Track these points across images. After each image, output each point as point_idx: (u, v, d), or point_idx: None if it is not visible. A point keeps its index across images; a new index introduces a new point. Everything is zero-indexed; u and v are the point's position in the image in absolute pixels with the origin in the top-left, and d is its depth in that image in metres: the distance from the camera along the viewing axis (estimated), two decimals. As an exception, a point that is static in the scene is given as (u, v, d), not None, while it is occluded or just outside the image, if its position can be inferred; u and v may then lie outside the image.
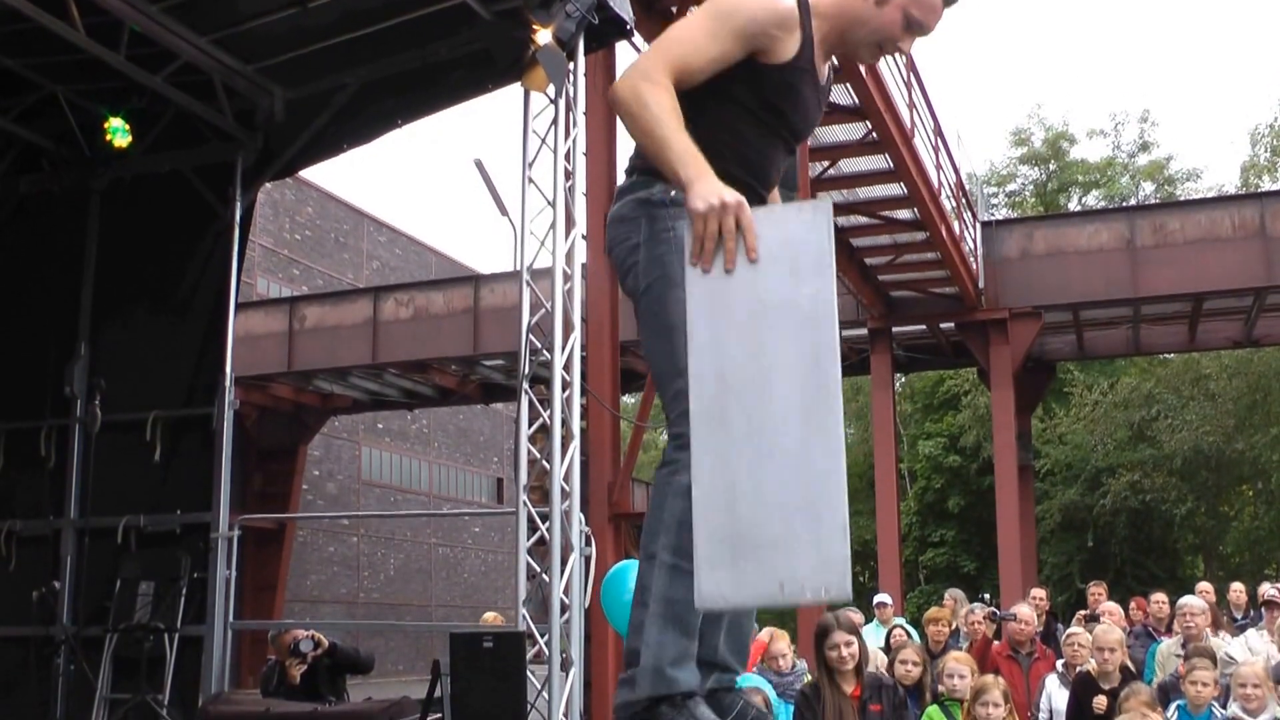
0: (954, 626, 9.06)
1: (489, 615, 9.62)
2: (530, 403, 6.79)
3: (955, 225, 15.66)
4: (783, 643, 6.90)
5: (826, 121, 13.34)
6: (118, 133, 8.07)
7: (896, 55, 14.53)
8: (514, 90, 7.16)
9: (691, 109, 2.27)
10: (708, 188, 2.04)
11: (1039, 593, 10.62)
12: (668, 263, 2.29)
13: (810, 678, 6.00)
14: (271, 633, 8.32)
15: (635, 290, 2.39)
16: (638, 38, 10.75)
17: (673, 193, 2.30)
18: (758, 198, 2.38)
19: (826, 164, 13.69)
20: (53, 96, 8.28)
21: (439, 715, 5.90)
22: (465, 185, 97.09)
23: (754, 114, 2.36)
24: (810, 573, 1.77)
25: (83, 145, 8.44)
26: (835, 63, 2.61)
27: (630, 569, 7.77)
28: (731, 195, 2.02)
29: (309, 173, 27.90)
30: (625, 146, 10.56)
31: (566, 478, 6.61)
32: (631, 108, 2.18)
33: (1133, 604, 10.48)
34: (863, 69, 11.67)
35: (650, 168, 2.38)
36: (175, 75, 7.73)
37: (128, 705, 6.92)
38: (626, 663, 2.25)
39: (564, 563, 6.51)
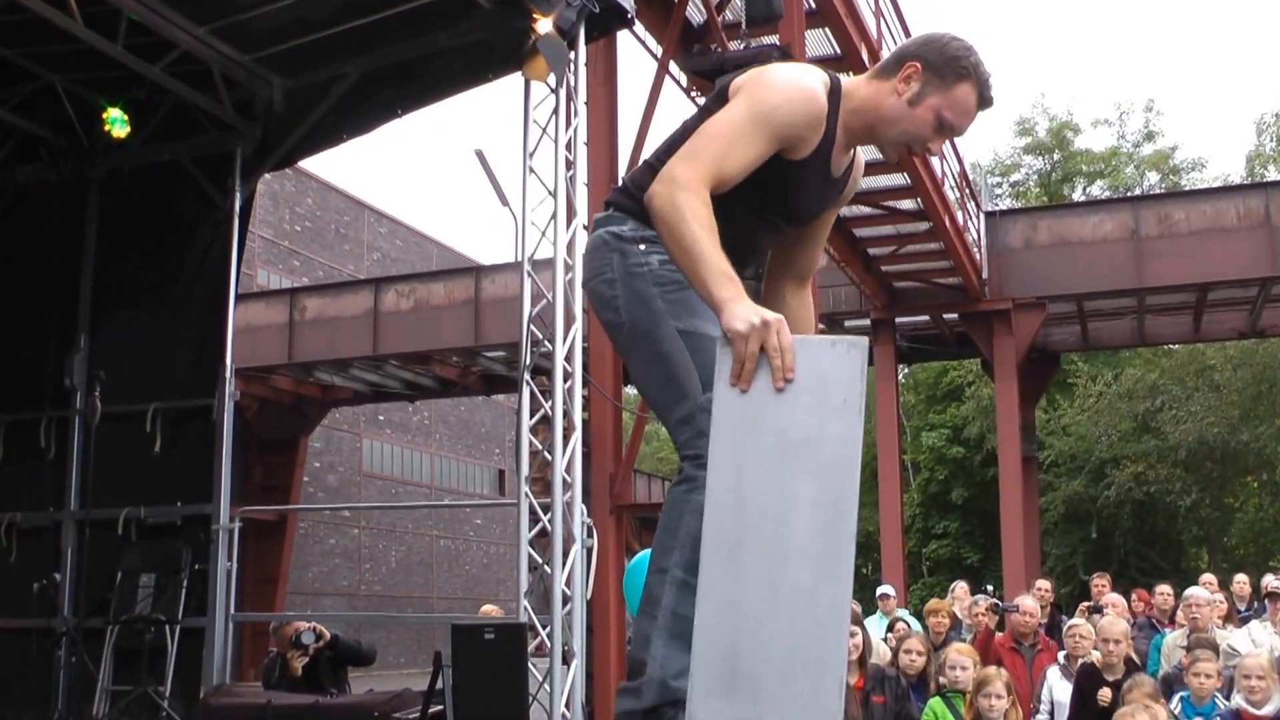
0: (955, 618, 9.03)
1: (488, 608, 9.59)
2: (532, 394, 6.76)
3: (959, 215, 15.60)
4: None
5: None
6: (116, 123, 8.04)
7: (898, 40, 14.47)
8: (515, 80, 7.14)
9: None
10: (746, 308, 2.02)
11: (1044, 584, 10.58)
12: (648, 296, 2.33)
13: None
14: (273, 625, 8.30)
15: (616, 324, 2.40)
16: (639, 27, 10.73)
17: (644, 232, 2.35)
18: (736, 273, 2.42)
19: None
20: (50, 86, 8.25)
21: (440, 707, 5.89)
22: (466, 176, 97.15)
23: (748, 198, 2.34)
24: (802, 718, 1.75)
25: (81, 135, 8.42)
26: (859, 155, 2.58)
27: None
28: (772, 315, 2.01)
29: (309, 163, 27.80)
30: (627, 136, 10.55)
31: (568, 469, 6.59)
32: (669, 218, 2.15)
33: (1134, 596, 10.43)
34: (865, 55, 11.62)
35: (626, 204, 2.44)
36: (174, 65, 7.71)
37: (129, 697, 6.91)
38: (630, 672, 2.28)
39: (566, 554, 6.49)
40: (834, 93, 2.37)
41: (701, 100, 11.27)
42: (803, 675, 1.77)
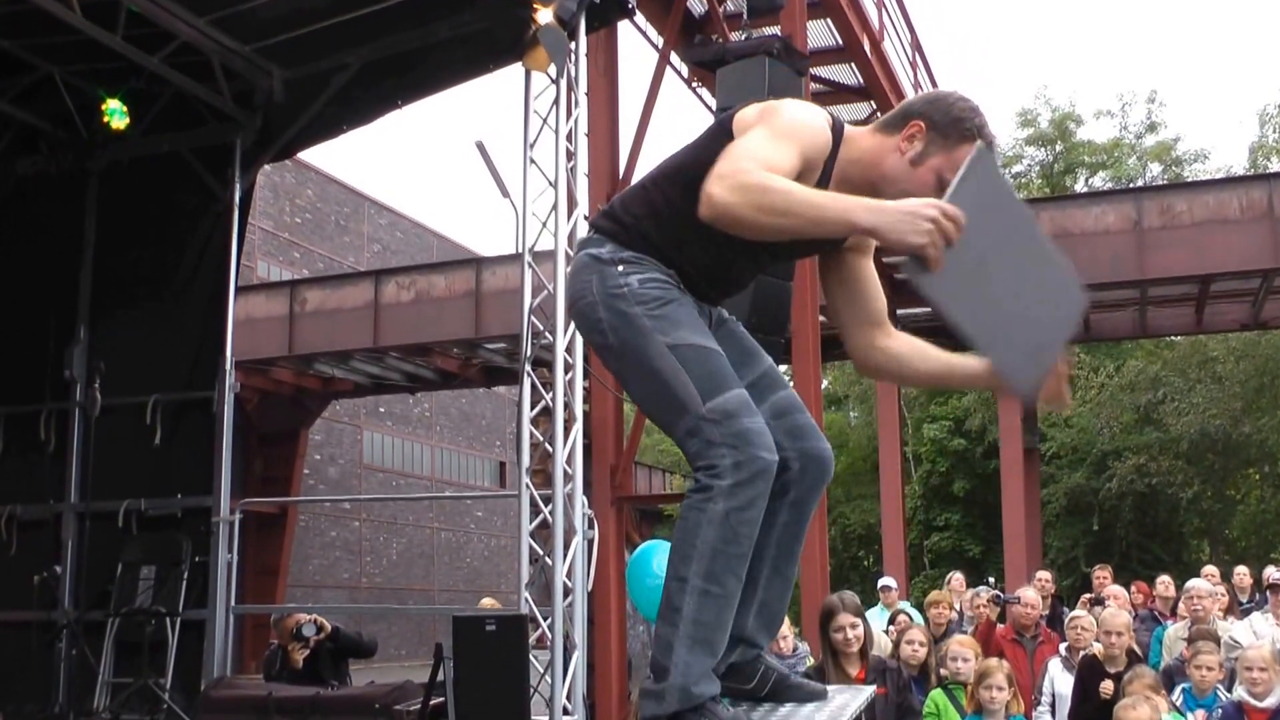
0: (958, 609, 9.02)
1: (487, 600, 9.60)
2: (533, 385, 6.74)
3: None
4: (783, 625, 6.76)
5: (831, 102, 13.23)
6: (115, 114, 8.01)
7: (902, 37, 14.35)
8: (515, 70, 7.11)
9: (681, 197, 2.32)
10: (899, 218, 2.06)
11: (1044, 575, 10.58)
12: (631, 315, 2.34)
13: (812, 661, 5.96)
14: (274, 617, 8.30)
15: (604, 346, 2.42)
16: (640, 18, 10.70)
17: (622, 253, 2.38)
18: (707, 299, 2.49)
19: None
20: (49, 78, 8.23)
21: (442, 699, 5.88)
22: (466, 167, 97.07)
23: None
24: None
25: (80, 127, 8.40)
26: None
27: (654, 551, 7.73)
28: (919, 205, 2.06)
29: (309, 155, 27.83)
30: (627, 127, 10.54)
31: (569, 461, 6.57)
32: (745, 203, 2.10)
33: (1133, 588, 10.42)
34: (866, 46, 11.58)
35: (606, 226, 2.45)
36: (173, 56, 7.68)
37: (130, 689, 6.91)
38: (655, 676, 2.33)
39: (567, 546, 6.48)
40: (836, 135, 2.35)
41: (703, 93, 11.26)
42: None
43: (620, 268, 2.37)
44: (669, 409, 2.33)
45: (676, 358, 2.31)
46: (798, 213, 2.11)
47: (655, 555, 7.59)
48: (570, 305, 2.51)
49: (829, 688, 2.69)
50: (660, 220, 2.39)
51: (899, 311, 17.82)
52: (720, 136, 2.33)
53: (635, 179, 10.09)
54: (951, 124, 2.33)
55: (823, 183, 2.33)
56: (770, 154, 2.19)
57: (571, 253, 6.81)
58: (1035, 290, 2.27)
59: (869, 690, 3.48)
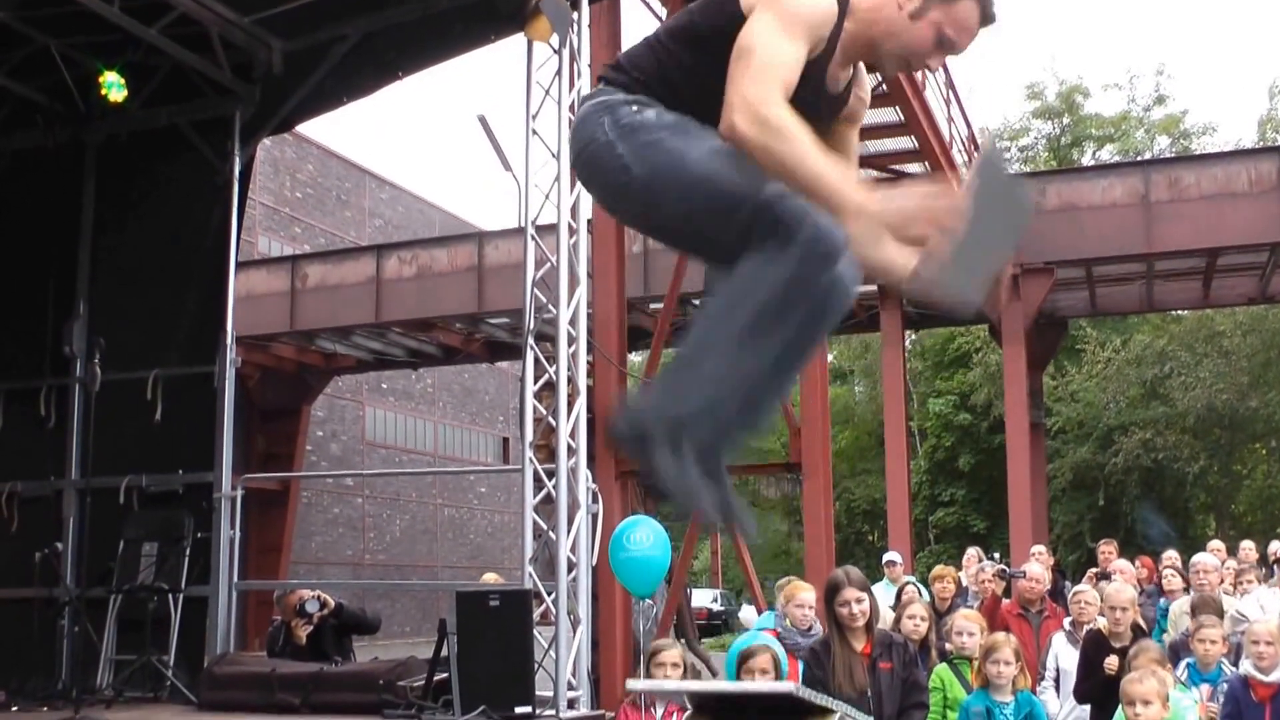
0: (962, 585, 9.00)
1: (489, 576, 9.57)
2: (536, 359, 6.69)
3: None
4: (809, 594, 6.32)
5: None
6: (113, 87, 7.91)
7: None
8: (517, 41, 7.03)
9: (686, 52, 2.30)
10: (887, 213, 2.06)
11: (1039, 548, 10.56)
12: (656, 138, 2.26)
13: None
14: (277, 593, 8.28)
15: (627, 183, 2.29)
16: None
17: (634, 96, 2.31)
18: None
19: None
20: (46, 50, 8.13)
21: (445, 675, 5.86)
22: (468, 141, 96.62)
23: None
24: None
25: (77, 100, 8.31)
26: (864, 75, 2.53)
27: (637, 524, 7.72)
28: (915, 191, 2.06)
29: (309, 129, 27.66)
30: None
31: (572, 434, 6.53)
32: (761, 138, 2.11)
33: (1138, 563, 10.40)
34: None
35: (616, 78, 2.39)
36: (171, 27, 7.58)
37: (132, 666, 6.89)
38: (657, 403, 2.22)
39: (571, 520, 6.44)
40: (841, 2, 2.31)
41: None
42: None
43: (634, 106, 2.31)
44: (719, 213, 2.20)
45: (718, 161, 2.21)
46: (802, 172, 2.12)
47: (633, 528, 7.58)
48: (579, 153, 2.37)
49: None
50: (668, 78, 2.34)
51: (904, 286, 17.78)
52: (726, 9, 2.28)
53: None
54: None
55: (828, 50, 2.30)
56: (785, 60, 2.19)
57: (574, 224, 6.77)
58: (1001, 227, 2.30)
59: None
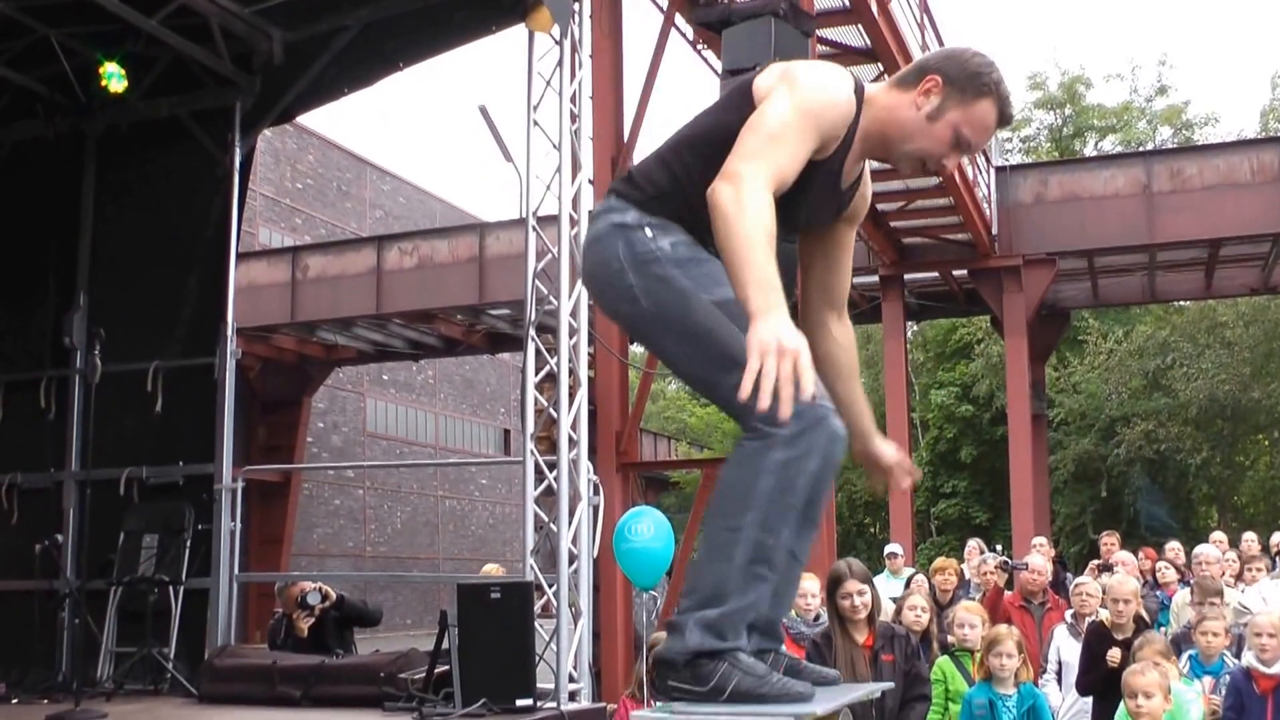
0: (962, 577, 8.99)
1: (490, 567, 9.56)
2: (537, 351, 6.67)
3: (968, 171, 15.41)
4: (813, 583, 6.33)
5: (838, 63, 12.96)
6: (113, 78, 7.88)
7: (914, 22, 13.97)
8: (518, 32, 7.00)
9: (700, 159, 2.30)
10: (771, 327, 2.00)
11: (1040, 540, 10.54)
12: (668, 276, 2.29)
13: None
14: (278, 585, 8.27)
15: (636, 314, 2.35)
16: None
17: (649, 219, 2.32)
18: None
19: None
20: (45, 40, 8.09)
21: (446, 667, 5.84)
22: (469, 131, 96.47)
23: None
24: None
25: (77, 90, 8.27)
26: (868, 174, 2.55)
27: (644, 514, 7.70)
28: (791, 340, 1.99)
29: (310, 120, 27.63)
30: (632, 89, 10.40)
31: (574, 427, 6.51)
32: (730, 213, 2.10)
33: (1140, 554, 10.40)
34: (874, 7, 11.40)
35: (629, 193, 2.39)
36: (171, 18, 7.56)
37: (133, 658, 6.87)
38: (691, 607, 2.26)
39: (572, 513, 6.43)
40: (859, 98, 2.31)
41: (708, 54, 11.10)
42: None
43: (649, 231, 2.31)
44: (718, 365, 2.24)
45: (724, 313, 2.25)
46: (735, 252, 2.09)
47: (636, 518, 7.56)
48: (592, 275, 2.41)
49: (839, 674, 2.62)
50: (682, 189, 2.34)
51: (906, 276, 17.76)
52: (742, 104, 2.28)
53: (639, 141, 10.05)
54: (968, 79, 2.30)
55: (844, 146, 2.31)
56: (788, 141, 2.18)
57: (575, 215, 6.74)
58: None
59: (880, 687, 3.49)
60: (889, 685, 4.47)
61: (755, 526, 2.20)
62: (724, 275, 2.25)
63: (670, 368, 2.45)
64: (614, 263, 2.33)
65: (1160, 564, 9.10)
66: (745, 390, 1.97)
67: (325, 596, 7.17)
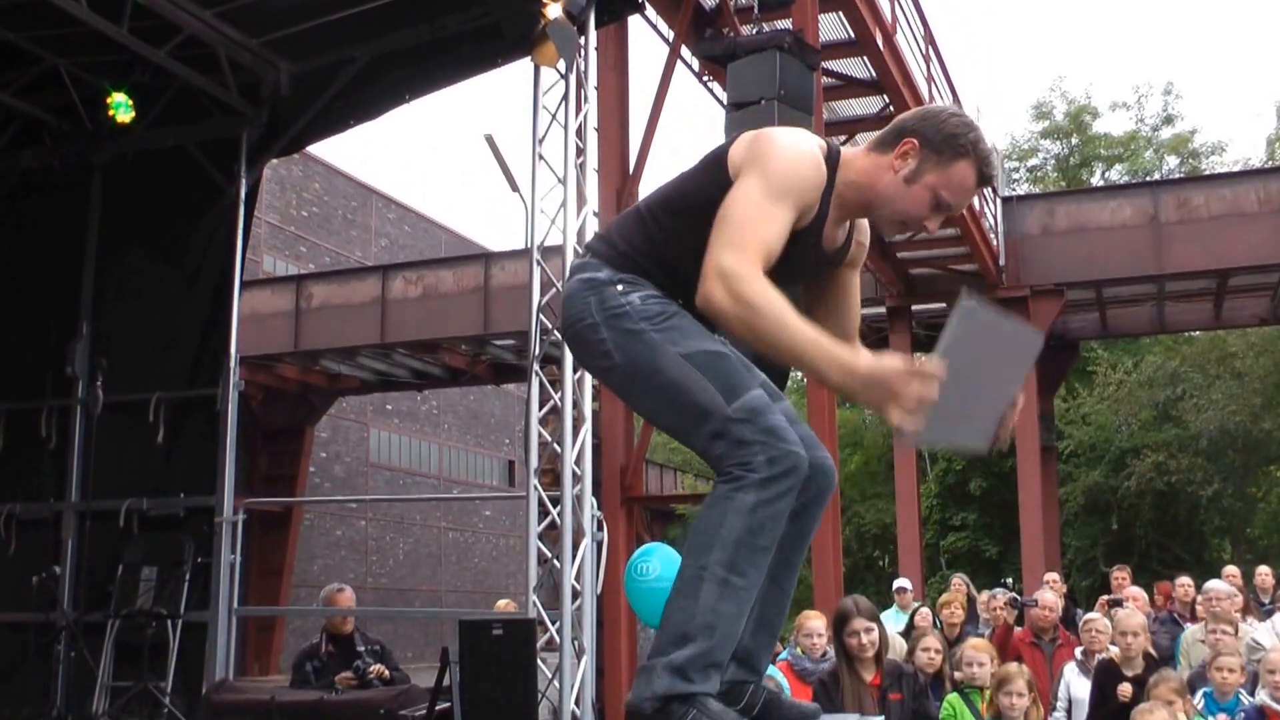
0: (969, 610, 8.89)
1: (502, 603, 9.46)
2: (541, 384, 6.62)
3: (975, 201, 15.41)
4: (819, 622, 6.16)
5: (843, 96, 13.05)
6: (121, 108, 7.92)
7: (915, 30, 14.08)
8: (524, 65, 7.01)
9: (676, 222, 2.33)
10: (867, 372, 2.08)
11: (1053, 576, 10.43)
12: (637, 331, 2.31)
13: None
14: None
15: (609, 368, 2.38)
16: (650, 11, 10.56)
17: (621, 275, 2.36)
18: (706, 323, 2.40)
19: (844, 138, 13.42)
20: (54, 70, 8.14)
21: (448, 704, 5.77)
22: (476, 161, 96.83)
23: None
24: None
25: (85, 119, 8.31)
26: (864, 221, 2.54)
27: (654, 552, 7.62)
28: (885, 366, 2.06)
29: (316, 148, 27.63)
30: (637, 122, 10.41)
31: (578, 461, 6.47)
32: (740, 314, 2.15)
33: (1156, 590, 10.28)
34: (879, 39, 11.42)
35: (603, 251, 2.43)
36: (179, 49, 7.60)
37: (129, 693, 6.81)
38: (659, 650, 2.27)
39: (576, 548, 6.36)
40: (831, 164, 2.32)
41: (714, 87, 11.12)
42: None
43: (620, 287, 2.35)
44: (689, 418, 2.29)
45: (693, 365, 2.28)
46: (780, 347, 2.15)
47: (645, 557, 7.48)
48: (566, 329, 2.45)
49: (818, 708, 2.59)
50: (657, 248, 2.38)
51: (914, 307, 17.72)
52: (716, 173, 2.31)
53: (644, 173, 10.04)
54: (945, 140, 2.28)
55: (820, 213, 2.32)
56: (767, 222, 2.21)
57: (579, 248, 6.71)
58: (1003, 374, 2.28)
59: None
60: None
61: (721, 566, 2.21)
62: (693, 326, 2.32)
63: (646, 419, 2.51)
64: (586, 318, 2.36)
65: (1204, 598, 8.93)
66: (908, 410, 2.03)
67: (379, 675, 6.85)
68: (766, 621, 2.45)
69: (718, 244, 2.19)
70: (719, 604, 2.21)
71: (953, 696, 5.90)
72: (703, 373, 2.27)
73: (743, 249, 2.16)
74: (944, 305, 18.12)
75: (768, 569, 2.35)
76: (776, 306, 2.13)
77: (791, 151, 2.26)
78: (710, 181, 2.31)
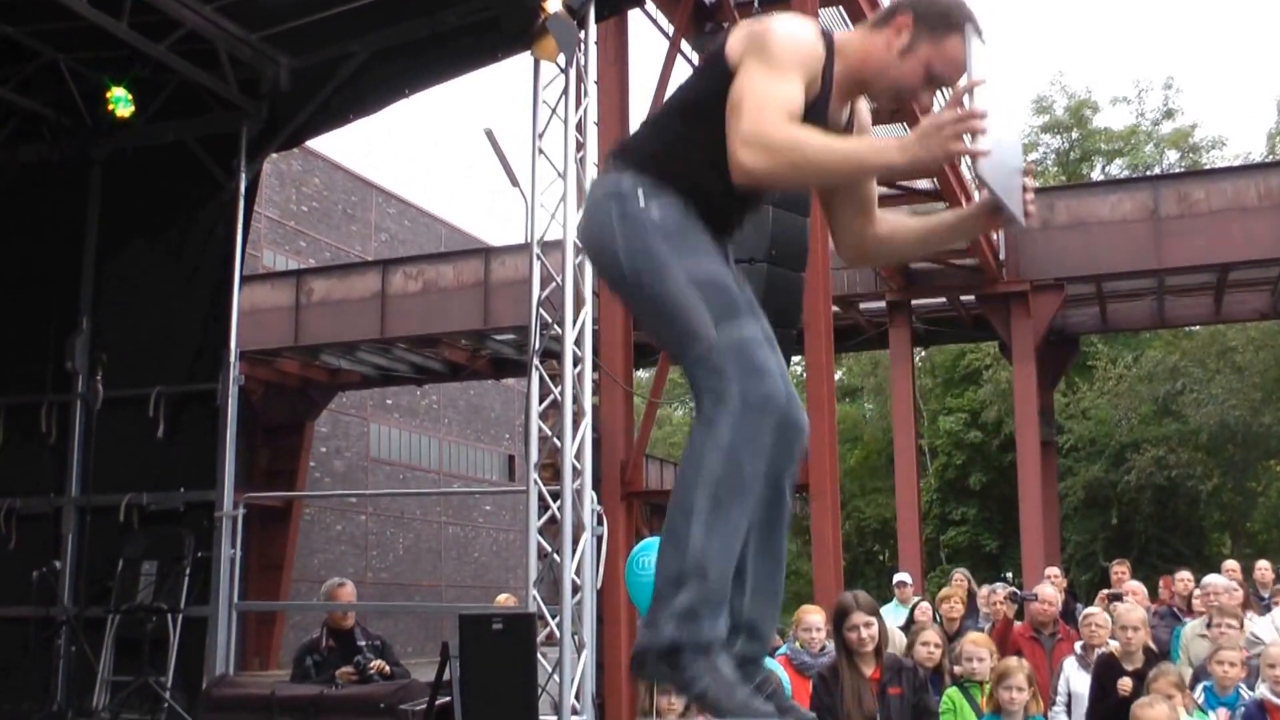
0: (969, 604, 8.90)
1: (502, 597, 9.45)
2: (541, 378, 6.62)
3: (976, 195, 15.37)
4: (818, 616, 6.22)
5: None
6: (120, 102, 7.90)
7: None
8: (524, 59, 6.99)
9: (686, 124, 2.39)
10: (928, 139, 2.14)
11: (1053, 570, 10.44)
12: (648, 243, 2.35)
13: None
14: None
15: (618, 275, 2.42)
16: (650, 5, 10.55)
17: (642, 180, 2.38)
18: (722, 230, 2.47)
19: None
20: (54, 65, 8.13)
21: (448, 699, 5.77)
22: (475, 155, 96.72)
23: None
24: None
25: (84, 114, 8.29)
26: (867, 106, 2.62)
27: (653, 546, 7.63)
28: (935, 118, 2.13)
29: (316, 143, 27.54)
30: (638, 116, 10.39)
31: (578, 455, 6.46)
32: (778, 161, 2.21)
33: (1160, 584, 10.29)
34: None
35: (622, 157, 2.47)
36: (179, 44, 7.58)
37: (130, 688, 6.80)
38: (659, 594, 2.29)
39: (575, 542, 6.37)
40: (828, 43, 2.39)
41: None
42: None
43: (640, 195, 2.38)
44: (681, 336, 2.32)
45: (693, 285, 2.32)
46: (836, 166, 2.22)
47: (645, 552, 7.49)
48: (585, 238, 2.53)
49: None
50: (673, 153, 2.42)
51: (913, 302, 17.72)
52: (716, 69, 2.36)
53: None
54: (938, 15, 2.36)
55: (824, 91, 2.37)
56: (781, 94, 2.24)
57: (579, 243, 6.70)
58: (1008, 127, 2.37)
59: None
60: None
61: (707, 500, 2.24)
62: (704, 245, 2.36)
63: (646, 330, 2.54)
64: (607, 228, 2.40)
65: (1202, 593, 8.93)
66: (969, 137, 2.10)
67: (379, 671, 6.87)
68: (762, 588, 2.46)
69: (735, 121, 2.23)
70: (707, 542, 2.23)
71: (952, 691, 5.91)
72: (701, 293, 2.31)
73: (761, 111, 2.20)
74: (944, 300, 18.13)
75: (754, 527, 2.37)
76: (812, 135, 2.18)
77: (789, 26, 2.32)
78: (712, 78, 2.35)
